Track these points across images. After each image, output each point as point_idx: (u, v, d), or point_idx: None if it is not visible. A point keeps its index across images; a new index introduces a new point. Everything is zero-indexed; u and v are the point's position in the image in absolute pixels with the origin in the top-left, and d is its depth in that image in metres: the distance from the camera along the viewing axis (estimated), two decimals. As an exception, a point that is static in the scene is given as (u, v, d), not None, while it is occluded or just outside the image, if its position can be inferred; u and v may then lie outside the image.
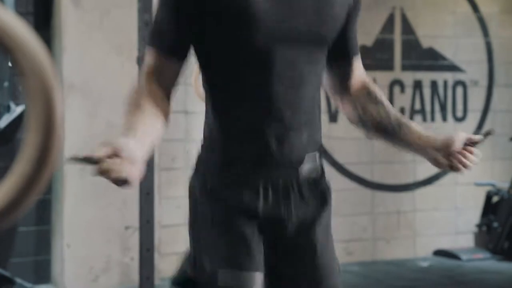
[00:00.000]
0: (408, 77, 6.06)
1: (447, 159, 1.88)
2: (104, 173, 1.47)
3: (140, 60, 4.47)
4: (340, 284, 1.86)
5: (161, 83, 1.72)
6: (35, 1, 4.79)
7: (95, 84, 4.75)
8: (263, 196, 1.75)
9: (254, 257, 1.73)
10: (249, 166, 1.74)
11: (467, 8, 6.26)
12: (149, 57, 1.74)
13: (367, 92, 1.94)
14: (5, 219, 1.08)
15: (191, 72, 4.78)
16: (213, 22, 1.70)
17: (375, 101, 1.93)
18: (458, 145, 1.87)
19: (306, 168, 1.79)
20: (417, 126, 1.93)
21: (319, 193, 1.83)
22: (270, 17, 1.70)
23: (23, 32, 1.13)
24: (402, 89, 6.05)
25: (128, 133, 1.61)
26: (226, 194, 1.75)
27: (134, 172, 1.51)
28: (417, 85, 6.10)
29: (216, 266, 1.72)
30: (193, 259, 1.79)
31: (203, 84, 1.80)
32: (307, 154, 1.79)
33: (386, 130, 1.91)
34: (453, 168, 1.89)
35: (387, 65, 5.97)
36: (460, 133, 1.90)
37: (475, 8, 6.27)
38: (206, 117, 1.79)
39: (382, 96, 1.95)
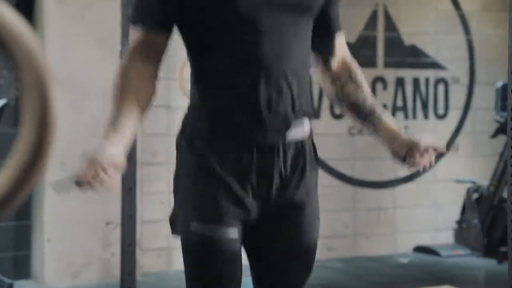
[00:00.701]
0: (391, 74, 6.08)
1: (405, 154, 1.93)
2: (90, 188, 1.55)
3: (123, 54, 4.44)
4: (316, 243, 1.90)
5: (148, 59, 1.75)
6: (16, -5, 4.74)
7: (78, 78, 4.72)
8: (248, 161, 1.77)
9: (227, 215, 1.76)
10: (236, 131, 1.77)
11: (449, 5, 6.28)
12: (135, 34, 1.77)
13: (348, 71, 1.97)
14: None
15: (175, 66, 4.76)
16: None
17: (355, 81, 1.96)
18: (422, 146, 1.92)
19: (293, 133, 1.81)
20: (389, 117, 1.99)
21: (304, 157, 1.85)
22: None
23: (16, 24, 1.11)
24: (385, 86, 6.07)
25: (111, 131, 1.67)
26: (211, 158, 1.76)
27: (117, 176, 1.60)
28: (400, 82, 6.12)
29: (189, 218, 1.76)
30: (173, 209, 1.84)
31: (188, 56, 1.82)
32: (295, 120, 1.80)
33: (358, 112, 1.96)
34: (407, 162, 1.95)
35: (370, 62, 5.98)
36: (427, 137, 1.95)
37: (456, 5, 6.29)
38: (193, 86, 1.81)
39: (362, 78, 1.99)
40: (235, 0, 1.72)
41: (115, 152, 1.64)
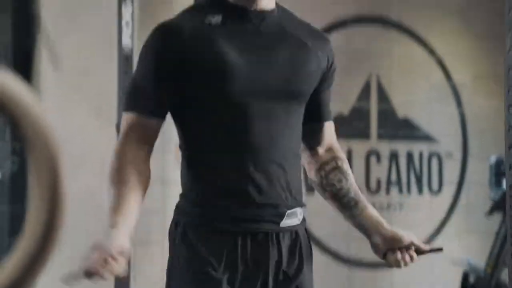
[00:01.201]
0: (384, 147, 6.08)
1: (386, 250, 1.92)
2: (100, 278, 1.55)
3: (119, 124, 4.40)
4: None
5: (142, 144, 1.75)
6: (14, 63, 4.75)
7: (74, 147, 4.69)
8: (242, 252, 1.76)
9: None
10: (228, 220, 1.77)
11: (440, 75, 6.33)
12: (128, 119, 1.77)
13: (334, 161, 1.97)
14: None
15: (170, 138, 4.74)
16: (191, 78, 1.74)
17: (340, 171, 1.96)
18: (405, 244, 1.91)
19: (286, 222, 1.80)
20: (373, 210, 1.97)
21: (299, 249, 1.84)
22: (246, 72, 1.74)
23: (29, 101, 1.09)
24: (379, 159, 6.06)
25: (115, 218, 1.69)
26: (204, 249, 1.76)
27: (123, 263, 1.62)
28: (393, 155, 6.12)
29: None
30: None
31: (179, 137, 1.83)
32: (288, 210, 1.80)
33: (341, 202, 1.95)
34: (387, 259, 1.93)
35: (364, 134, 5.99)
36: (412, 236, 1.94)
37: (448, 76, 6.34)
38: (183, 170, 1.82)
39: (348, 168, 1.99)
40: (226, 87, 1.73)
41: (122, 240, 1.64)
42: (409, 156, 6.13)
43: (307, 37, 1.85)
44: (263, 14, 1.78)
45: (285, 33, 1.81)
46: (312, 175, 1.99)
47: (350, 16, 5.82)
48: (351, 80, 5.87)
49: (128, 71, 4.32)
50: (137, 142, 1.74)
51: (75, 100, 4.70)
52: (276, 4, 1.83)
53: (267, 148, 1.76)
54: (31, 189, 1.06)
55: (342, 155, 2.00)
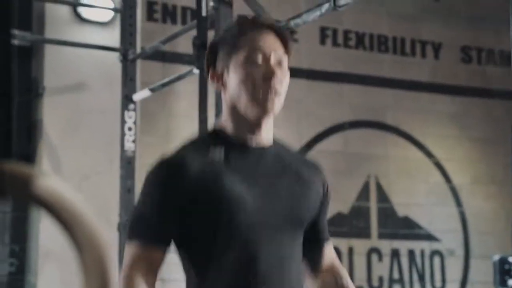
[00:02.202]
0: (385, 246, 6.06)
1: None
2: None
3: (121, 227, 4.44)
4: None
5: (147, 273, 1.70)
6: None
7: (72, 252, 4.66)
8: None
9: None
10: None
11: (439, 177, 6.38)
12: (132, 249, 1.73)
13: (334, 279, 1.96)
14: None
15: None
16: (198, 212, 1.73)
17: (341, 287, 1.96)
18: None
19: None
20: None
21: None
22: (253, 204, 1.74)
23: (78, 205, 1.10)
24: (380, 258, 6.02)
25: None
26: None
27: None
28: (395, 253, 6.08)
29: None
30: None
31: (184, 265, 1.80)
32: None
33: None
34: None
35: (364, 233, 5.97)
36: None
37: (447, 178, 6.39)
38: None
39: (348, 283, 1.97)
40: (235, 219, 1.72)
41: None
42: (411, 254, 6.10)
43: (303, 169, 1.88)
44: (262, 150, 1.81)
45: (283, 167, 1.84)
46: None
47: (347, 120, 5.92)
48: (350, 180, 5.91)
49: (131, 176, 4.35)
50: (143, 274, 1.70)
51: (76, 204, 4.71)
52: (273, 137, 1.87)
53: (277, 277, 1.75)
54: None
55: (344, 272, 1.99)
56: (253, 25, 1.81)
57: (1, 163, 0.75)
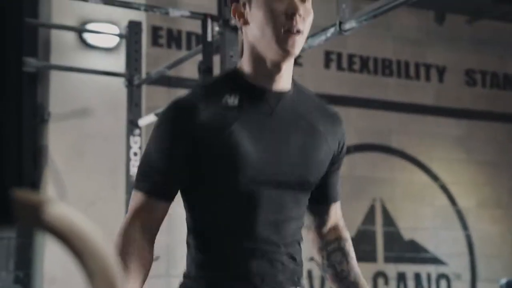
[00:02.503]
0: (392, 269, 6.03)
1: None
2: None
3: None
4: None
5: (147, 228, 1.71)
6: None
7: (77, 278, 4.65)
8: None
9: None
10: None
11: (445, 201, 6.36)
12: (137, 198, 1.73)
13: (337, 240, 1.93)
14: None
15: (175, 262, 4.71)
16: (202, 162, 1.73)
17: (342, 251, 1.91)
18: None
19: None
20: None
21: None
22: (257, 161, 1.72)
23: (91, 233, 1.09)
24: (386, 282, 5.99)
25: None
26: None
27: None
28: (401, 277, 6.05)
29: None
30: None
31: (186, 215, 1.81)
32: None
33: (341, 282, 1.90)
34: None
35: (370, 257, 5.95)
36: None
37: (452, 201, 6.37)
38: (189, 250, 1.78)
39: (350, 250, 1.93)
40: (235, 176, 1.70)
41: None
42: (417, 278, 6.07)
43: (320, 120, 1.83)
44: (280, 95, 1.76)
45: (299, 116, 1.79)
46: (315, 253, 1.96)
47: (353, 144, 5.92)
48: (356, 204, 5.90)
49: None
50: (143, 226, 1.71)
51: (82, 229, 4.71)
52: (293, 81, 1.81)
53: (274, 237, 1.74)
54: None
55: (347, 234, 1.95)
56: None
57: (11, 190, 0.75)
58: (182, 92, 5.77)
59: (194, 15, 3.64)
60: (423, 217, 6.21)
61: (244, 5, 1.75)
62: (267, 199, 1.73)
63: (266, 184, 1.73)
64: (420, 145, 6.34)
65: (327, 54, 6.21)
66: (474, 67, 6.72)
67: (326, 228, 1.95)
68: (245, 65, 1.77)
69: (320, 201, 1.90)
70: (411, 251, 6.10)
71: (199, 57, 3.52)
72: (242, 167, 1.71)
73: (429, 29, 6.55)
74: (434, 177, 6.34)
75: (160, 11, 3.85)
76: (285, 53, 1.70)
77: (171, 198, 1.76)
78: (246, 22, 1.75)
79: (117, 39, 4.92)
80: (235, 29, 3.30)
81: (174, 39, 5.67)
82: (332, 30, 2.71)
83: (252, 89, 1.75)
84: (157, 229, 1.76)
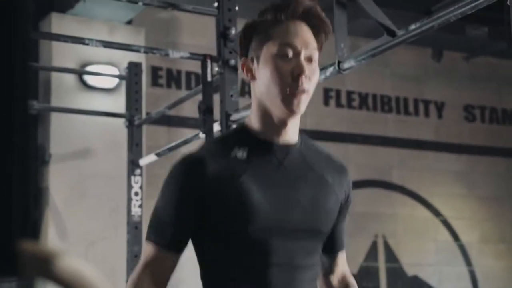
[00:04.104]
0: (395, 307, 5.99)
1: None
2: None
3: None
4: None
5: (157, 277, 1.75)
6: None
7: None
8: None
9: None
10: None
11: (447, 236, 6.34)
12: (148, 250, 1.77)
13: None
14: None
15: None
16: (213, 214, 1.73)
17: None
18: None
19: None
20: None
21: None
22: (266, 210, 1.73)
23: (99, 285, 1.10)
24: (390, 319, 5.95)
25: None
26: None
27: None
28: (405, 315, 6.01)
29: None
30: None
31: (198, 261, 1.82)
32: None
33: None
34: None
35: (373, 294, 5.91)
36: None
37: (455, 236, 6.35)
38: None
39: None
40: (247, 226, 1.71)
41: None
42: (422, 316, 6.02)
43: (328, 171, 1.85)
44: (287, 148, 1.79)
45: (307, 167, 1.81)
46: None
47: (353, 180, 5.91)
48: (358, 240, 5.88)
49: (138, 242, 4.33)
50: (154, 277, 1.75)
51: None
52: (300, 133, 1.84)
53: (286, 287, 1.74)
54: None
55: (353, 281, 1.98)
56: (288, 11, 1.76)
57: (21, 242, 0.76)
58: (182, 131, 5.78)
59: (193, 56, 3.67)
60: (425, 252, 6.19)
61: (252, 60, 1.78)
62: (278, 249, 1.74)
63: (277, 233, 1.74)
64: (421, 180, 6.34)
65: (326, 91, 6.24)
66: (472, 103, 6.75)
67: (333, 277, 1.97)
68: (253, 119, 1.80)
69: (327, 250, 1.91)
70: (415, 287, 6.07)
71: (199, 96, 3.54)
72: (252, 216, 1.72)
73: (427, 66, 6.59)
74: (436, 212, 6.33)
75: (160, 53, 3.88)
76: (291, 112, 1.73)
77: (181, 250, 1.78)
78: (254, 78, 1.78)
79: (117, 80, 4.95)
80: (234, 68, 3.32)
81: (173, 79, 5.70)
82: (331, 69, 2.73)
83: (260, 142, 1.78)
84: (168, 280, 1.79)
